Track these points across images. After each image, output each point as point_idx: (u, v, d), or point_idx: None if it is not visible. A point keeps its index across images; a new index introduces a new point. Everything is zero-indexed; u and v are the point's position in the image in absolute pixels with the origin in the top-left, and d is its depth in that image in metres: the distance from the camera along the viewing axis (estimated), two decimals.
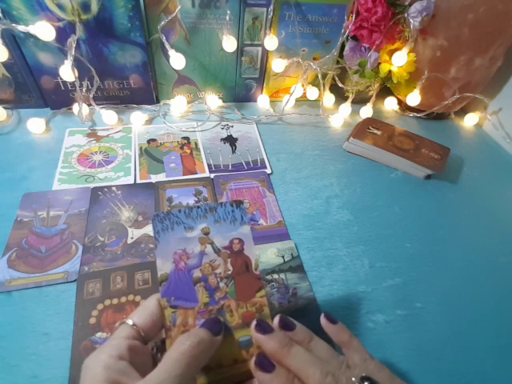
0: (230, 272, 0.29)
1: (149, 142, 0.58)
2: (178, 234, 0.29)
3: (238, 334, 0.28)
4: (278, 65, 0.63)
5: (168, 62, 0.58)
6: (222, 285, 0.29)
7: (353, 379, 0.25)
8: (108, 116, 0.59)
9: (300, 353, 0.26)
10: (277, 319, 0.28)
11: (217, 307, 0.28)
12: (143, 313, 0.27)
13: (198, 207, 0.30)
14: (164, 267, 0.28)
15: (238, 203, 0.30)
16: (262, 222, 0.48)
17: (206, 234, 0.29)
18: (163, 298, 0.27)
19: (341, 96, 0.70)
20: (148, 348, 0.27)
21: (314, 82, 0.68)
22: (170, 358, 0.24)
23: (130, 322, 0.26)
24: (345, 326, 0.30)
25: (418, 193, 0.56)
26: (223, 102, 0.68)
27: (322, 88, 0.66)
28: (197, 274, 0.28)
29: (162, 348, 0.27)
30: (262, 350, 0.27)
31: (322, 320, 0.31)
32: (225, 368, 0.27)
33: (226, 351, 0.27)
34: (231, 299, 0.28)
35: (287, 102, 0.66)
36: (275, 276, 0.42)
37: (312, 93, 0.68)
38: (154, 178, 0.52)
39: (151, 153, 0.56)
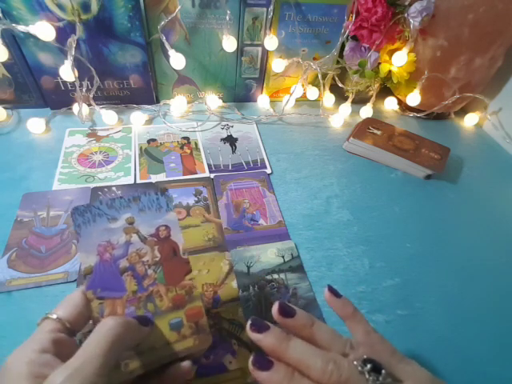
0: (157, 259, 0.29)
1: (149, 141, 0.58)
2: (101, 225, 0.29)
3: (168, 316, 0.28)
4: (277, 65, 0.63)
5: (168, 62, 0.58)
6: (150, 272, 0.29)
7: (355, 363, 0.24)
8: (108, 116, 0.59)
9: (299, 345, 0.26)
10: (276, 306, 0.28)
11: (146, 294, 0.28)
12: (67, 305, 0.27)
13: (121, 197, 0.30)
14: (88, 260, 0.28)
15: (163, 191, 0.31)
16: (262, 221, 0.48)
17: (131, 223, 0.29)
18: (89, 291, 0.27)
19: (341, 96, 0.70)
20: (75, 340, 0.27)
21: (314, 82, 0.68)
22: (91, 339, 0.24)
23: (53, 316, 0.26)
24: (349, 300, 0.30)
25: (418, 193, 0.56)
26: (223, 102, 0.68)
27: (321, 88, 0.66)
28: (123, 263, 0.28)
29: None
30: (197, 342, 0.28)
31: (326, 293, 0.30)
32: (157, 350, 0.27)
33: (158, 334, 0.28)
34: (160, 284, 0.29)
35: (287, 102, 0.66)
36: (275, 276, 0.42)
37: (312, 93, 0.68)
38: (154, 178, 0.52)
39: (151, 153, 0.56)
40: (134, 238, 0.29)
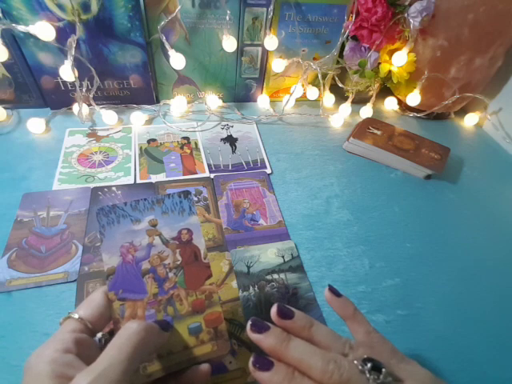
0: (178, 262, 0.29)
1: (149, 141, 0.58)
2: (125, 227, 0.29)
3: (187, 321, 0.28)
4: (277, 65, 0.63)
5: (168, 61, 0.58)
6: (170, 275, 0.29)
7: (355, 362, 0.24)
8: (108, 116, 0.59)
9: (299, 345, 0.26)
10: (274, 309, 0.28)
11: (166, 297, 0.28)
12: (89, 305, 0.27)
13: (145, 199, 0.30)
14: (110, 261, 0.28)
15: (186, 194, 0.31)
16: (262, 221, 0.48)
17: (154, 225, 0.29)
18: (111, 292, 0.27)
19: (341, 96, 0.70)
20: (96, 341, 0.27)
21: (314, 82, 0.68)
22: (115, 343, 0.23)
23: (75, 315, 0.26)
24: (349, 299, 0.30)
25: (418, 193, 0.56)
26: (223, 101, 0.68)
27: (321, 88, 0.66)
28: (145, 265, 0.28)
29: (110, 340, 0.28)
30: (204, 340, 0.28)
31: (327, 293, 0.30)
32: (175, 354, 0.27)
33: (176, 338, 0.28)
34: (180, 288, 0.29)
35: (287, 102, 0.66)
36: (275, 276, 0.42)
37: (312, 93, 0.68)
38: (154, 178, 0.52)
39: (151, 153, 0.56)
40: (157, 240, 0.29)
